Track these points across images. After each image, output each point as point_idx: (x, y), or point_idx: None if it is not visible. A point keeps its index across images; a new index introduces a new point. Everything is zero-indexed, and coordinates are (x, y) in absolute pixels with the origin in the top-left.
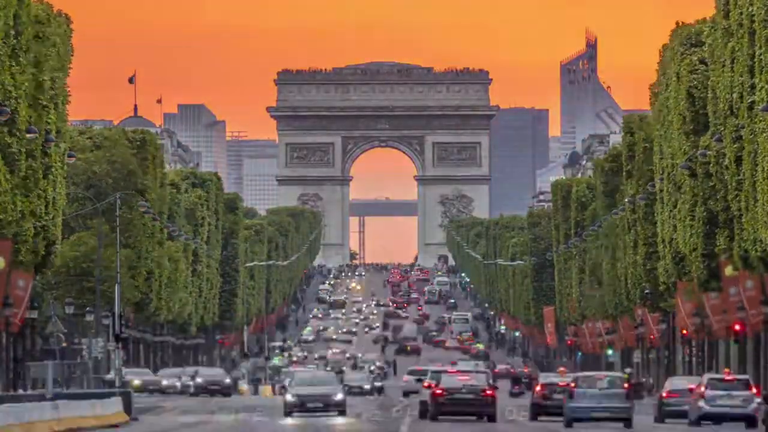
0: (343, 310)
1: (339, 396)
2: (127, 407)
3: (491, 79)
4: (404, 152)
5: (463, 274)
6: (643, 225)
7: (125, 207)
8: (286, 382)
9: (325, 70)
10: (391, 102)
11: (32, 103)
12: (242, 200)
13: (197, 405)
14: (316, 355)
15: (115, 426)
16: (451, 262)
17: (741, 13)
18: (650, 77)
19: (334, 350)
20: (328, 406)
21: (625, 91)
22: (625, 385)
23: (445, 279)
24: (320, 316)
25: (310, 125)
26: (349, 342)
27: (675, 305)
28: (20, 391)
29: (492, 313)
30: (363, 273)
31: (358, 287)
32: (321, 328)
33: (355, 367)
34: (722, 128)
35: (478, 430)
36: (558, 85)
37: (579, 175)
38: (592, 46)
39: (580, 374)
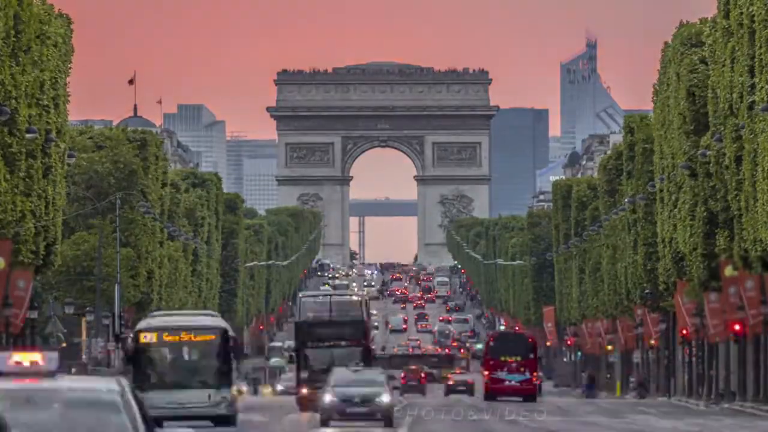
0: None
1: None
2: None
3: (491, 79)
4: (404, 152)
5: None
6: (643, 225)
7: (126, 207)
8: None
9: (325, 70)
10: (391, 102)
11: (32, 103)
12: (243, 201)
13: None
14: None
15: None
16: (442, 263)
17: (741, 13)
18: (650, 77)
19: None
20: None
21: (625, 91)
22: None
23: (445, 280)
24: None
25: (310, 125)
26: None
27: (675, 305)
28: None
29: (485, 315)
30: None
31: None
32: None
33: None
34: (722, 128)
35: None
36: (558, 85)
37: (579, 175)
38: (592, 46)
39: None
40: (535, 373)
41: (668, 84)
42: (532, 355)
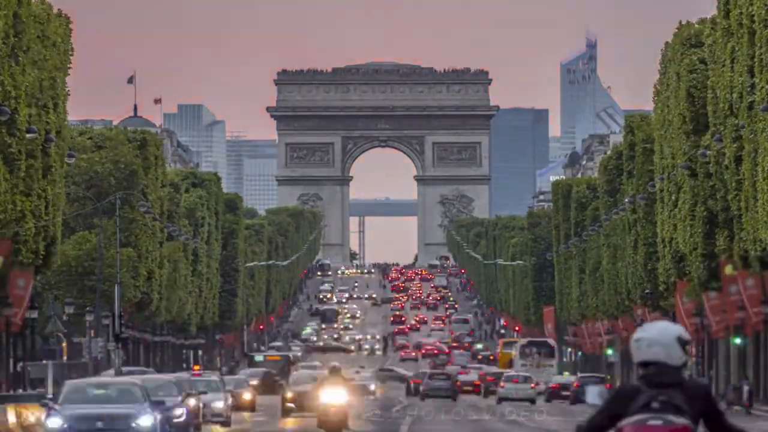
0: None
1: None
2: None
3: (491, 79)
4: (404, 152)
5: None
6: (643, 225)
7: (126, 207)
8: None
9: (325, 70)
10: (391, 102)
11: (32, 103)
12: (242, 200)
13: None
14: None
15: None
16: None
17: (741, 13)
18: (650, 77)
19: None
20: None
21: (625, 91)
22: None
23: (444, 281)
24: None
25: (310, 125)
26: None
27: (675, 305)
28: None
29: (484, 314)
30: (367, 271)
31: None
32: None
33: None
34: (722, 128)
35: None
36: (558, 85)
37: (579, 175)
38: (592, 46)
39: None
40: None
41: (668, 84)
42: None
